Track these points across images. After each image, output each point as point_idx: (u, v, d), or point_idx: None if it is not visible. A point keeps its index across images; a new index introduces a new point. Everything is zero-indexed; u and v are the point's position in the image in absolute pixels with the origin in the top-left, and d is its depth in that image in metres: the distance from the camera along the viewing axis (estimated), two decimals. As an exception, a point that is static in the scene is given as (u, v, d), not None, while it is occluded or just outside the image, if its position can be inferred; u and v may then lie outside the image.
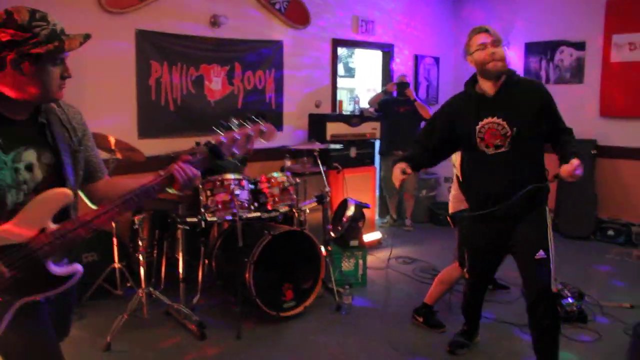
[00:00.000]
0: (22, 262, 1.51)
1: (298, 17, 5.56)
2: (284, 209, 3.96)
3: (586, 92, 6.13)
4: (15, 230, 1.51)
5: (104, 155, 3.15)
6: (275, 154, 5.22)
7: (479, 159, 2.82)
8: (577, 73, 6.25)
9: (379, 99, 6.31)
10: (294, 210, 4.03)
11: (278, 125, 5.53)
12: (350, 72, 10.05)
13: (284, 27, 5.48)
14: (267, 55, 5.34)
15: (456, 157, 3.36)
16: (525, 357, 3.17)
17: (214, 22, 4.87)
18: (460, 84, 2.96)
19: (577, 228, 5.92)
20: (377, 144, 6.06)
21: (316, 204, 4.19)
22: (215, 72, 4.97)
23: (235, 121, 1.79)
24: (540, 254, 2.69)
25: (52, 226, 1.55)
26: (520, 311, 3.49)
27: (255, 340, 3.46)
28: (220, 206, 3.71)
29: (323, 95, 5.95)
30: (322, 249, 4.02)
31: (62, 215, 1.60)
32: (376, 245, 5.58)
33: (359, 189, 5.26)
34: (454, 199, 3.64)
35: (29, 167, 1.59)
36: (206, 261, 4.00)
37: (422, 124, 6.02)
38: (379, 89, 6.99)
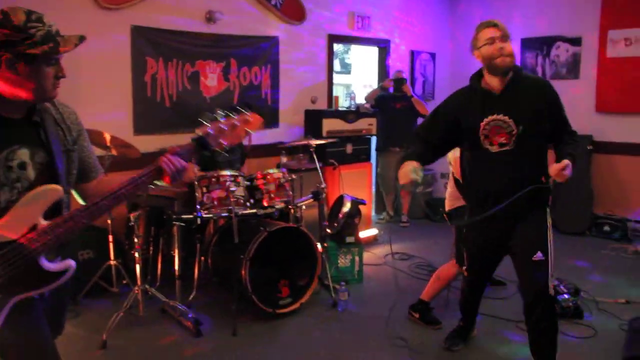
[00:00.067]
0: (15, 259, 1.51)
1: (294, 12, 5.54)
2: (279, 205, 3.94)
3: (582, 87, 6.13)
4: (7, 228, 1.52)
5: (99, 151, 3.13)
6: (271, 150, 5.21)
7: (480, 156, 2.76)
8: (573, 69, 6.26)
9: (375, 95, 6.31)
10: (290, 207, 4.02)
11: (274, 121, 5.53)
12: (346, 68, 10.02)
13: (280, 23, 5.46)
14: (263, 51, 5.33)
15: (452, 155, 3.31)
16: (521, 353, 3.17)
17: (210, 18, 4.85)
18: (457, 80, 2.95)
19: (573, 224, 5.92)
20: (374, 140, 6.04)
21: (312, 200, 4.17)
22: (211, 68, 4.95)
23: (221, 112, 1.79)
24: (538, 255, 2.66)
25: (43, 222, 1.56)
26: (516, 307, 3.50)
27: (251, 337, 3.46)
28: (216, 203, 3.71)
29: (319, 92, 5.94)
30: (319, 245, 4.02)
31: (54, 212, 1.60)
32: (372, 241, 5.58)
33: (355, 185, 5.26)
34: (450, 197, 3.63)
35: (22, 166, 1.59)
36: (202, 258, 4.00)
37: (419, 120, 6.02)
38: (375, 85, 6.98)
